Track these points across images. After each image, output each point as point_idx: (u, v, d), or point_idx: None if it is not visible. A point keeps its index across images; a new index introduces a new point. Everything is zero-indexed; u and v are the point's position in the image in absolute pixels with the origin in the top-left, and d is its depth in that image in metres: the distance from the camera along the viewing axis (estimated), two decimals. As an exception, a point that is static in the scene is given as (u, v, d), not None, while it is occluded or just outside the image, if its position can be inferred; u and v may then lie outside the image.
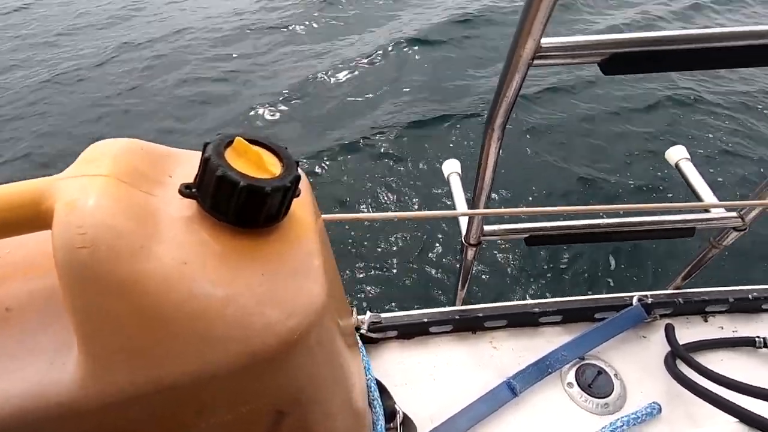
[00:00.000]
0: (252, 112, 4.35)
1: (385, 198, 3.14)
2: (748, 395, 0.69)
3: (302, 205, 0.42)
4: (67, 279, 0.30)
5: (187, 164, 0.40)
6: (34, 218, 0.31)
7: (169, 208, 0.35)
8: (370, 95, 4.42)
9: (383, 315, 0.92)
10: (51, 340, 0.34)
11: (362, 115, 4.11)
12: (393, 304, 2.47)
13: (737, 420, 0.64)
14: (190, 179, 0.36)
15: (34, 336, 0.34)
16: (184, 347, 0.32)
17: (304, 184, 0.45)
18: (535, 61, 0.54)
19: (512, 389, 0.81)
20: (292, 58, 5.27)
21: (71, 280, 0.30)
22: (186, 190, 0.34)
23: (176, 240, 0.33)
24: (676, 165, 1.00)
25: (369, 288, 2.58)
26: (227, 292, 0.33)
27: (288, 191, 0.35)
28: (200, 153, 0.36)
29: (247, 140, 0.36)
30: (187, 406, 0.35)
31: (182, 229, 0.34)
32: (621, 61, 0.54)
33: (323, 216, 0.54)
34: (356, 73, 4.79)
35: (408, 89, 4.45)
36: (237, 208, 0.34)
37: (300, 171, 0.39)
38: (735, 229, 0.88)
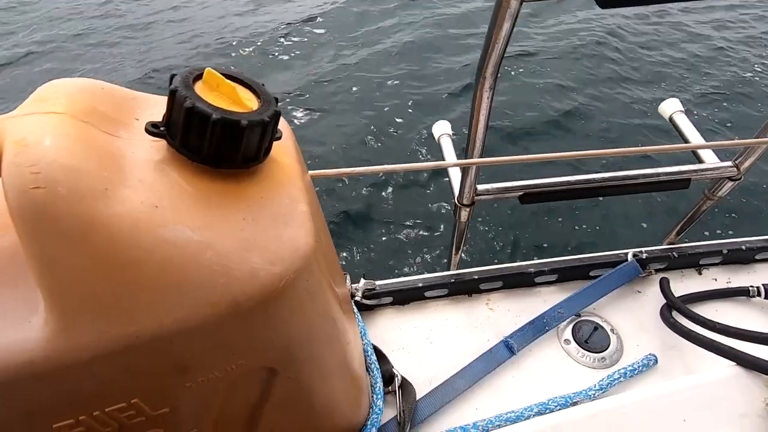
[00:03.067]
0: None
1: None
2: (743, 340, 0.69)
3: (285, 150, 0.40)
4: (23, 223, 0.27)
5: (156, 108, 0.37)
6: None
7: (136, 151, 0.32)
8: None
9: (378, 282, 0.91)
10: (17, 298, 0.31)
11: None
12: (387, 270, 2.45)
13: (734, 363, 0.64)
14: None
15: None
16: (158, 297, 0.30)
17: (286, 130, 0.42)
18: None
19: (510, 348, 0.81)
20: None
21: (27, 225, 0.27)
22: (153, 129, 0.31)
23: (145, 182, 0.30)
24: (670, 118, 0.98)
25: (362, 255, 2.55)
26: (204, 237, 0.30)
27: (267, 127, 0.32)
28: None
29: (219, 74, 0.33)
30: (169, 362, 0.33)
31: (152, 171, 0.31)
32: None
33: (309, 172, 0.51)
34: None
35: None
36: (211, 145, 0.31)
37: (279, 110, 0.35)
38: (730, 179, 0.86)
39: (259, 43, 4.79)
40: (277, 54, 4.59)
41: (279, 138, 0.37)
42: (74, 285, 0.28)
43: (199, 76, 0.32)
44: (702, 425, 0.56)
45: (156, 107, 0.37)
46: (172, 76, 0.31)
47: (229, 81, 0.33)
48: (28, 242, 0.28)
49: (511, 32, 0.58)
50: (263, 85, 0.35)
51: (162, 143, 0.32)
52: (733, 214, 2.50)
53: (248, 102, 0.33)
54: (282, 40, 4.83)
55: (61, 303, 0.29)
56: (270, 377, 0.41)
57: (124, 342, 0.30)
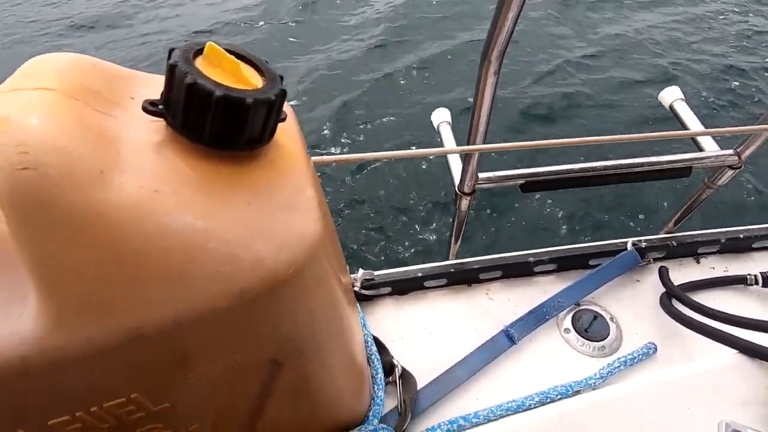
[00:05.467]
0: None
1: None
2: (744, 328, 0.69)
3: (288, 133, 0.38)
4: (11, 207, 0.25)
5: (152, 87, 0.35)
6: None
7: (132, 132, 0.30)
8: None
9: (376, 272, 0.89)
10: (4, 288, 0.29)
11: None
12: (386, 260, 2.43)
13: (737, 351, 0.65)
14: None
15: None
16: (160, 290, 0.28)
17: (289, 112, 0.40)
18: None
19: (510, 338, 0.80)
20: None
21: (16, 209, 0.25)
22: (151, 107, 0.29)
23: (144, 166, 0.28)
24: (671, 106, 0.97)
25: (360, 244, 2.52)
26: (208, 225, 0.29)
27: (273, 106, 0.30)
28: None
29: (222, 49, 0.31)
30: (170, 356, 0.31)
31: (150, 153, 0.29)
32: None
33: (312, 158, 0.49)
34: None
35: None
36: (214, 125, 0.29)
37: (285, 89, 0.33)
38: (731, 167, 0.86)
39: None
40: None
41: (284, 120, 0.35)
42: (69, 277, 0.26)
43: (199, 51, 0.30)
44: (706, 412, 0.56)
45: (151, 86, 0.35)
46: (171, 51, 0.29)
47: (231, 57, 0.31)
48: (17, 230, 0.26)
49: (519, 13, 0.56)
50: (267, 61, 0.33)
51: (160, 123, 0.30)
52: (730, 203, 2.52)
53: (252, 80, 0.31)
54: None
55: (55, 296, 0.27)
56: (274, 369, 0.39)
57: (122, 336, 0.28)
